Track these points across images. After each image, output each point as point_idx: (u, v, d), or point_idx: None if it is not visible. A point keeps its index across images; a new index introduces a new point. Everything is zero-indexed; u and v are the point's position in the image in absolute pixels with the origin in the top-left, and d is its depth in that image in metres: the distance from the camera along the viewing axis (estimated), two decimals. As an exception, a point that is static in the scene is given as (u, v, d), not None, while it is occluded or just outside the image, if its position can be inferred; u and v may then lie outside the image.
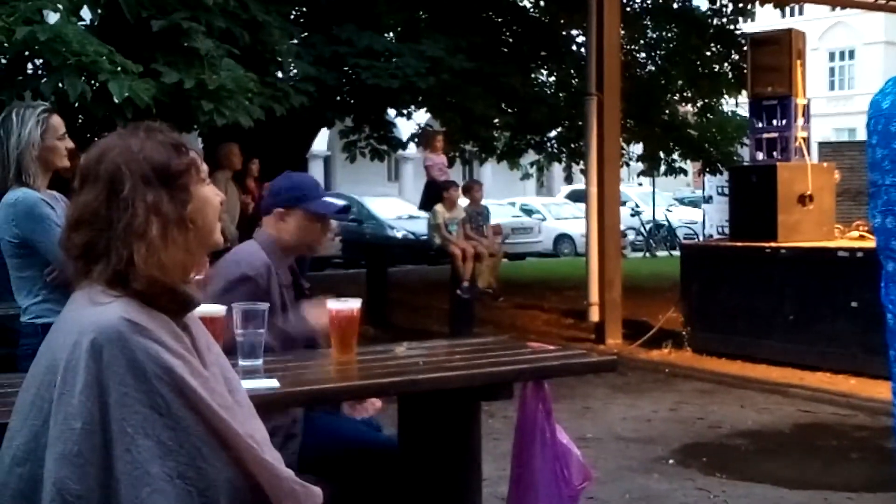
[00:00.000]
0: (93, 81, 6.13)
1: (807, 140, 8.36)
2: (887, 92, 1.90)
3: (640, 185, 26.79)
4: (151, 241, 1.63)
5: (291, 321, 3.04)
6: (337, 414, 3.16)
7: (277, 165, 6.79)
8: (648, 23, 14.10)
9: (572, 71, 13.25)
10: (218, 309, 2.61)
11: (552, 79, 14.18)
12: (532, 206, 23.95)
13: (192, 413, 1.59)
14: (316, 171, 25.14)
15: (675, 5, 13.59)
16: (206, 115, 6.51)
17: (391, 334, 8.18)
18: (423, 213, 11.07)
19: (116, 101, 5.95)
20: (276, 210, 3.10)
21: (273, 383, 2.52)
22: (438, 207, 9.77)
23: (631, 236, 20.63)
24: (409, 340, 3.39)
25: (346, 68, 9.59)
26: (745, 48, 10.32)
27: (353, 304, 2.93)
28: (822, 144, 17.26)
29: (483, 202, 10.65)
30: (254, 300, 2.75)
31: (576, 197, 22.21)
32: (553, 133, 14.42)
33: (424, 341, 3.77)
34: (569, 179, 16.09)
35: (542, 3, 13.27)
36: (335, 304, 2.91)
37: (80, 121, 6.71)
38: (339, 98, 10.13)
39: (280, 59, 8.54)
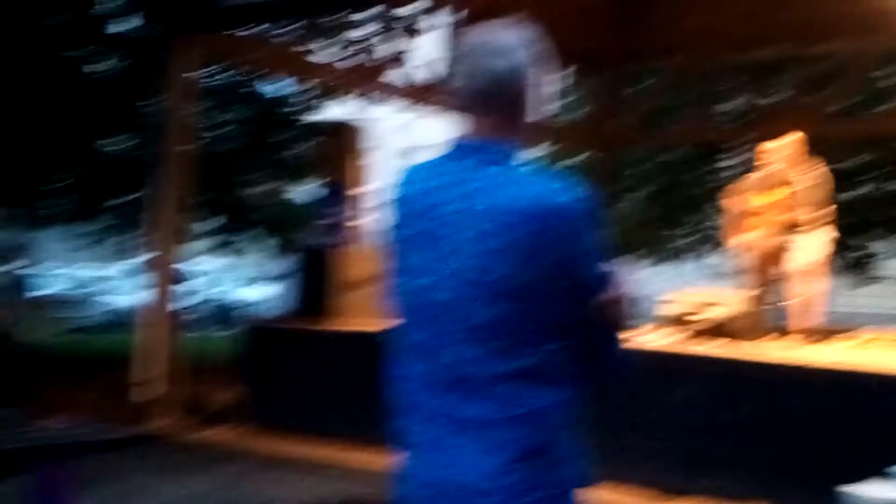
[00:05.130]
0: None
1: (365, 227, 8.82)
2: (407, 180, 2.04)
3: (211, 261, 26.58)
4: None
5: None
6: None
7: None
8: (225, 102, 14.17)
9: (143, 140, 12.92)
10: None
11: (121, 146, 13.72)
12: (90, 277, 22.72)
13: None
14: None
15: (250, 89, 13.82)
16: None
17: None
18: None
19: None
20: None
21: None
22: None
23: (197, 313, 20.31)
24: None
25: None
26: (314, 137, 10.73)
27: None
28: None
29: (37, 268, 9.94)
30: None
31: (138, 270, 21.42)
32: (118, 202, 13.89)
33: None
34: (131, 251, 15.56)
35: (115, 70, 12.86)
36: None
37: None
38: None
39: None
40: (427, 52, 10.45)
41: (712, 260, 17.01)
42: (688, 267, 18.64)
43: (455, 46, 2.06)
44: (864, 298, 19.37)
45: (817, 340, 7.20)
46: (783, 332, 7.29)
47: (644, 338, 6.93)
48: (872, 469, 4.49)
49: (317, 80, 10.85)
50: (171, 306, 8.69)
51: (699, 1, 10.39)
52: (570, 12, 10.14)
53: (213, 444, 7.62)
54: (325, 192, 8.72)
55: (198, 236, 14.85)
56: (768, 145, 7.62)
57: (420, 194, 1.93)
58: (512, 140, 1.94)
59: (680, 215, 16.24)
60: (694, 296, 7.09)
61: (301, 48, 10.51)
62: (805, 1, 9.57)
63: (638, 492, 6.16)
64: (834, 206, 7.40)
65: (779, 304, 7.65)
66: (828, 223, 7.36)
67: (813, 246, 7.29)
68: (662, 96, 12.77)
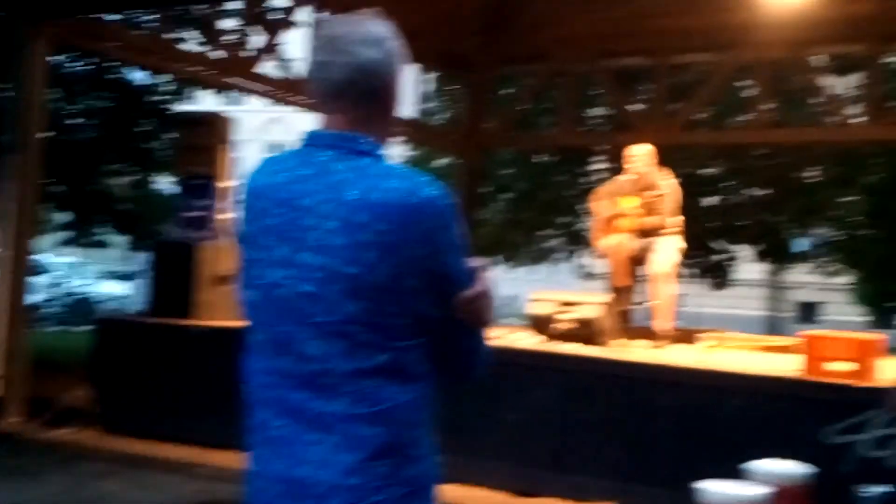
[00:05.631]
0: None
1: (231, 221, 8.62)
2: (263, 171, 1.97)
3: (69, 254, 25.66)
4: None
5: None
6: None
7: None
8: (87, 89, 13.65)
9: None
10: None
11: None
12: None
13: None
14: None
15: (113, 76, 13.34)
16: None
17: None
18: None
19: None
20: None
21: None
22: None
23: (53, 307, 19.57)
24: None
25: None
26: (181, 127, 10.41)
27: None
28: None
29: None
30: None
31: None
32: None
33: None
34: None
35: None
36: None
37: None
38: None
39: None
40: (296, 46, 10.30)
41: (583, 261, 17.37)
42: (560, 268, 18.99)
43: (317, 38, 2.03)
44: (712, 300, 20.13)
45: (676, 341, 7.40)
46: (644, 332, 7.46)
47: (507, 336, 6.99)
48: (726, 466, 4.63)
49: (183, 70, 10.53)
50: (22, 300, 8.30)
51: (568, 8, 10.57)
52: (439, 15, 10.17)
53: (64, 443, 7.33)
54: (191, 184, 8.47)
55: (55, 228, 14.29)
56: (634, 150, 7.79)
57: (281, 184, 1.87)
58: (375, 133, 1.90)
59: (551, 217, 16.49)
60: (558, 296, 7.19)
61: (168, 36, 10.21)
62: (669, 13, 9.86)
63: (490, 493, 6.14)
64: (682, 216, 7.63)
65: (641, 305, 7.83)
66: (680, 231, 7.58)
67: (672, 249, 7.49)
68: (531, 100, 12.93)
